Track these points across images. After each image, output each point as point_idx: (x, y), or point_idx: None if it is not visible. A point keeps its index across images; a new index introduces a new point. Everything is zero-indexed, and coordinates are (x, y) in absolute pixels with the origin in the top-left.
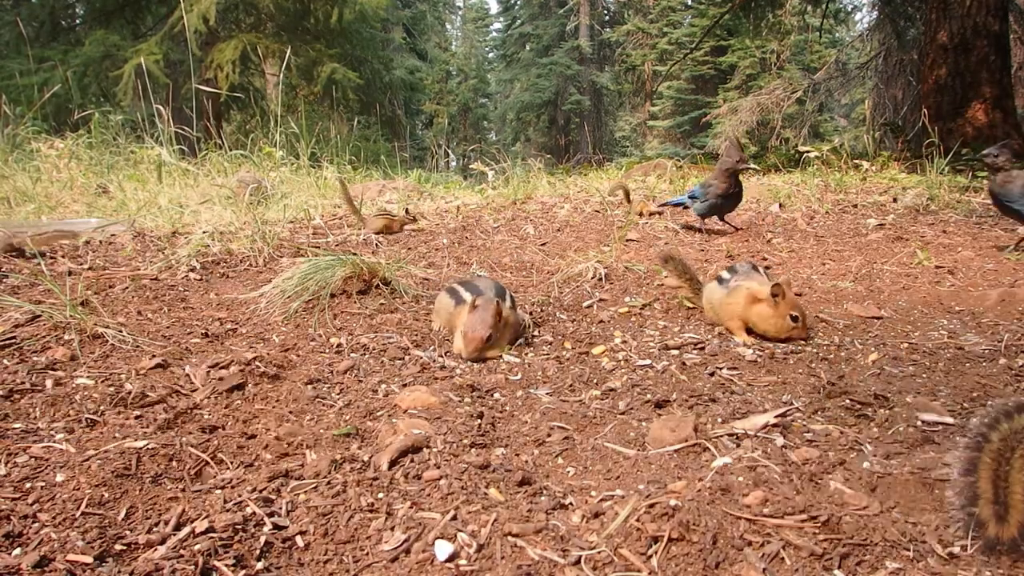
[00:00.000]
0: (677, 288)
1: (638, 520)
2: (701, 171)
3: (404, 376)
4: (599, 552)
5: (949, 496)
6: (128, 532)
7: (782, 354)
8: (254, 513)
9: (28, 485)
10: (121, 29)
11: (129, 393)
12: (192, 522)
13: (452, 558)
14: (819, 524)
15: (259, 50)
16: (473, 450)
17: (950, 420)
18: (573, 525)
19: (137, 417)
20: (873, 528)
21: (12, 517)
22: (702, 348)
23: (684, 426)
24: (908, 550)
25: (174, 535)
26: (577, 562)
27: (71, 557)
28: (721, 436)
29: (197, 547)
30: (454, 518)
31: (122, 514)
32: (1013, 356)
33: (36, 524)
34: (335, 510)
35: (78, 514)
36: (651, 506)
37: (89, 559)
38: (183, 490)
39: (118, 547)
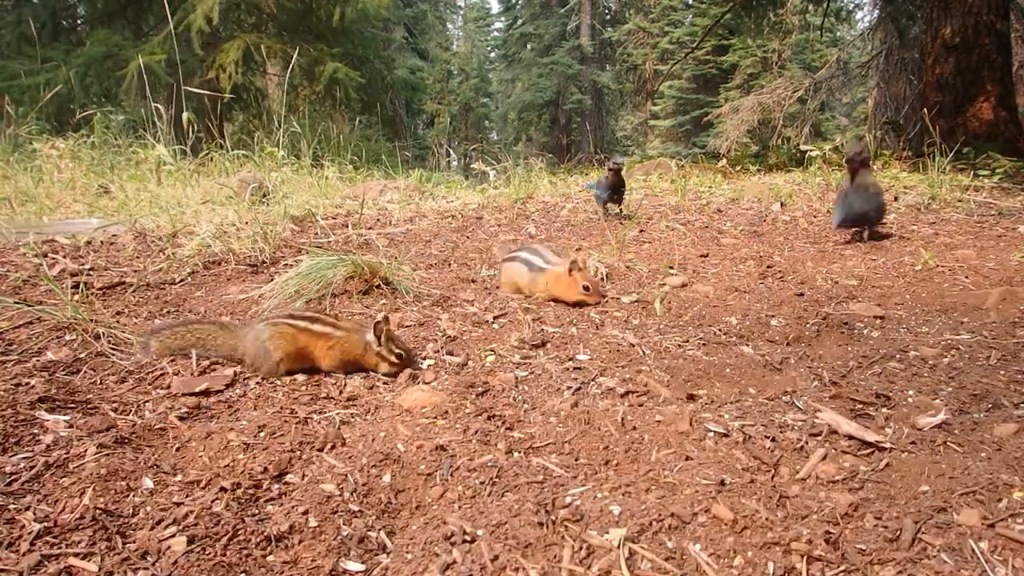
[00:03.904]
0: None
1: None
2: (702, 170)
3: (406, 375)
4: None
5: None
6: (132, 531)
7: (784, 353)
8: (255, 513)
9: (27, 483)
10: (123, 29)
11: (131, 394)
12: (177, 524)
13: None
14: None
15: (261, 50)
16: (477, 451)
17: (952, 419)
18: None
19: (140, 417)
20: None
21: (8, 515)
22: (705, 347)
23: (681, 421)
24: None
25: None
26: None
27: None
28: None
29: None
30: (464, 519)
31: (128, 512)
32: (1014, 354)
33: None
34: (336, 512)
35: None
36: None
37: (94, 568)
38: (181, 488)
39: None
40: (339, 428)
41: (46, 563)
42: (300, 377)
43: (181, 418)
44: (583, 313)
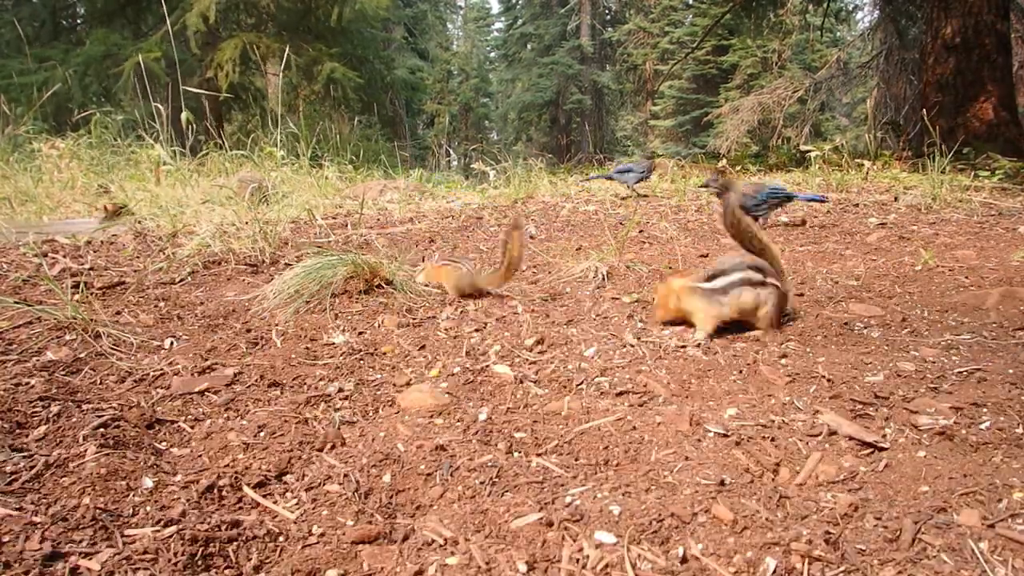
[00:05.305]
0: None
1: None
2: (702, 170)
3: (407, 376)
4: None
5: None
6: (132, 531)
7: (784, 352)
8: (255, 513)
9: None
10: (122, 28)
11: (131, 394)
12: (176, 524)
13: None
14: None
15: (259, 49)
16: (477, 451)
17: (952, 419)
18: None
19: (140, 417)
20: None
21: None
22: (706, 347)
23: (681, 421)
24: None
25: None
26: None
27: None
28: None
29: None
30: (464, 519)
31: (128, 511)
32: (1014, 355)
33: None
34: (335, 520)
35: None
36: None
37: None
38: (181, 488)
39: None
40: (339, 428)
41: (48, 562)
42: (301, 376)
43: (181, 418)
44: (583, 313)
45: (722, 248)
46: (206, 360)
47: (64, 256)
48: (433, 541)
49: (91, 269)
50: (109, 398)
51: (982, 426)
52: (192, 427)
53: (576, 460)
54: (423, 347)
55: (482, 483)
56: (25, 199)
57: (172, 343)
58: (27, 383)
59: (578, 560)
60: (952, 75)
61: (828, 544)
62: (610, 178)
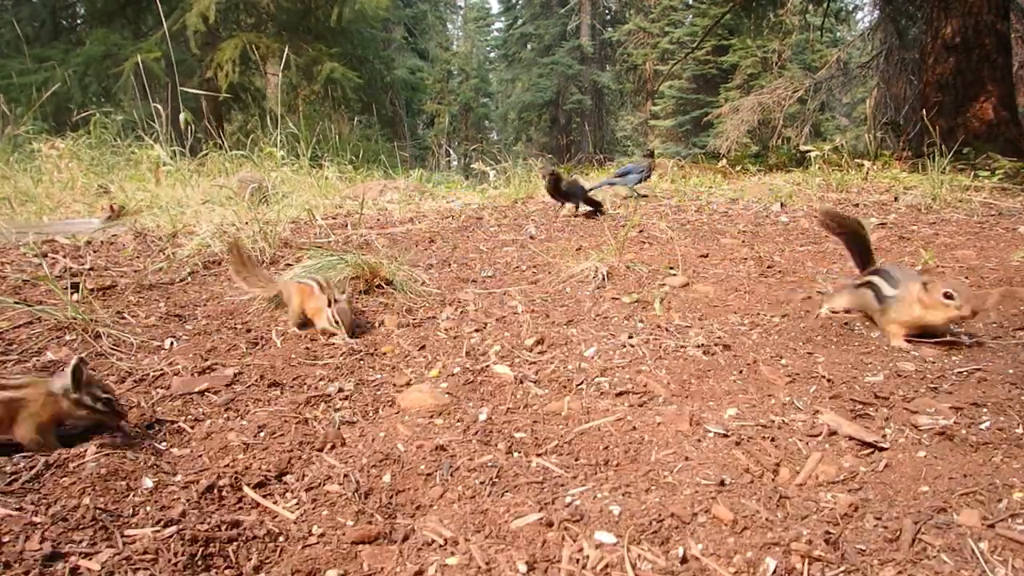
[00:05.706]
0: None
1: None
2: (702, 170)
3: (407, 376)
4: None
5: None
6: (132, 531)
7: (785, 353)
8: (255, 513)
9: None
10: (122, 28)
11: (131, 394)
12: (176, 524)
13: None
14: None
15: (259, 49)
16: (477, 451)
17: (952, 419)
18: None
19: (140, 417)
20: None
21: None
22: (705, 347)
23: (681, 421)
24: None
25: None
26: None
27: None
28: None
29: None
30: (464, 519)
31: (128, 512)
32: (1014, 355)
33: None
34: (335, 520)
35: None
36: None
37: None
38: (181, 488)
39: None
40: (339, 428)
41: (48, 562)
42: (301, 376)
43: (181, 418)
44: (583, 313)
45: (721, 247)
46: (206, 360)
47: (64, 256)
48: (433, 541)
49: (91, 269)
50: None
51: (982, 426)
52: (192, 427)
53: (576, 460)
54: (423, 347)
55: (482, 483)
56: (25, 199)
57: (172, 343)
58: None
59: (578, 560)
60: (952, 75)
61: (828, 544)
62: (611, 184)
